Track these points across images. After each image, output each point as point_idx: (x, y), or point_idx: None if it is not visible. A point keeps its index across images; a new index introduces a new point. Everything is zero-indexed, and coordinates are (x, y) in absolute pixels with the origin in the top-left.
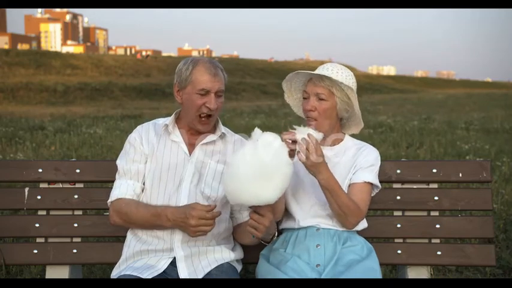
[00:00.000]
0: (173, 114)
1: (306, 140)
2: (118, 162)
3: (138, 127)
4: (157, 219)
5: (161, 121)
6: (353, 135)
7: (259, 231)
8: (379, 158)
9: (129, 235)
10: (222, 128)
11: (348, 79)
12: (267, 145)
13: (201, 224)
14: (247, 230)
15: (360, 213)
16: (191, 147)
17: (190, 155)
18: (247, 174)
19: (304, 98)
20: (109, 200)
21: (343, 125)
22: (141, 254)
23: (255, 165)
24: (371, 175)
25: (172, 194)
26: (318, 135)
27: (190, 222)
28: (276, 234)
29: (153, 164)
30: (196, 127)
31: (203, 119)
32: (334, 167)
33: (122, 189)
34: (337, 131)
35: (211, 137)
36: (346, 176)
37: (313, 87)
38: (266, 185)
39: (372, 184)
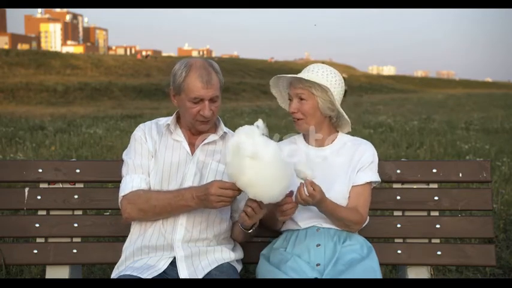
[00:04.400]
0: (174, 114)
1: (298, 195)
2: (126, 158)
3: (141, 125)
4: (181, 198)
5: (163, 121)
6: (351, 133)
7: (252, 221)
8: (376, 153)
9: (130, 235)
10: (223, 128)
11: (328, 78)
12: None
13: (221, 194)
14: (242, 217)
15: (362, 220)
16: (192, 146)
17: (192, 154)
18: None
19: (289, 100)
20: (122, 194)
21: (336, 125)
22: (141, 253)
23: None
24: (372, 173)
25: None
26: (316, 134)
27: (211, 191)
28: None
29: (156, 162)
30: (196, 128)
31: (199, 122)
32: (331, 166)
33: (135, 183)
34: (329, 130)
35: (212, 137)
36: (345, 172)
37: (294, 89)
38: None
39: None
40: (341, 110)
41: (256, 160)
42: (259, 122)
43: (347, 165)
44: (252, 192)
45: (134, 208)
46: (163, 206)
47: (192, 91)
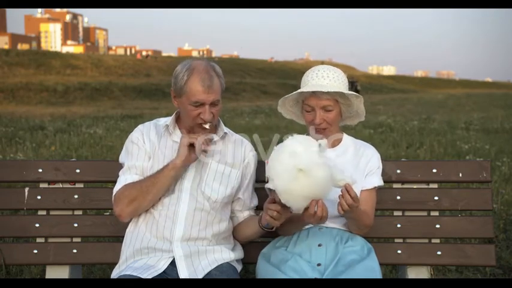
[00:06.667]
0: (173, 115)
1: (343, 202)
2: (122, 160)
3: (140, 126)
4: (163, 169)
5: (162, 121)
6: (351, 133)
7: (279, 222)
8: (380, 157)
9: (128, 234)
10: (224, 128)
11: (344, 83)
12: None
13: (190, 138)
14: (266, 219)
15: (372, 223)
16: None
17: None
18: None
19: (306, 111)
20: (113, 194)
21: (346, 118)
22: (141, 253)
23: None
24: (378, 178)
25: (173, 192)
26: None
27: (183, 141)
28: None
29: (155, 163)
30: (195, 132)
31: (199, 125)
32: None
33: (128, 182)
34: (336, 130)
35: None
36: (354, 175)
37: (318, 101)
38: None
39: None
40: (362, 107)
41: (304, 174)
42: (323, 142)
43: (353, 168)
44: (286, 199)
45: (123, 201)
46: (148, 187)
47: (193, 95)
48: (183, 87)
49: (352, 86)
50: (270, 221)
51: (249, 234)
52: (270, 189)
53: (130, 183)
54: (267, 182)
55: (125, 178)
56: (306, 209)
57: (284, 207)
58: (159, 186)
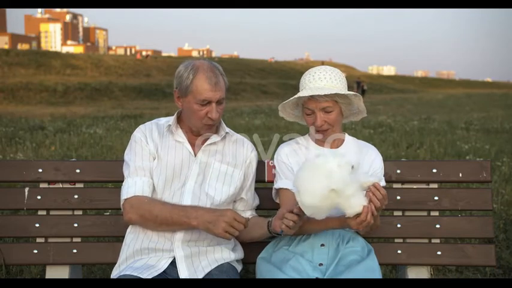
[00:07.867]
0: (175, 115)
1: (376, 200)
2: (128, 160)
3: (141, 126)
4: (185, 215)
5: (163, 121)
6: (350, 133)
7: (294, 231)
8: (381, 158)
9: (129, 234)
10: (225, 128)
11: (343, 82)
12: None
13: (233, 225)
14: (282, 228)
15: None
16: (193, 146)
17: (194, 155)
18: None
19: (307, 114)
20: (124, 197)
21: (347, 116)
22: (141, 253)
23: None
24: (382, 179)
25: (175, 192)
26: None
27: (225, 218)
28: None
29: (158, 163)
30: (200, 132)
31: (206, 125)
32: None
33: (138, 186)
34: (338, 130)
35: (214, 138)
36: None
37: (317, 103)
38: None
39: None
40: (362, 105)
41: (335, 193)
42: (356, 163)
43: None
44: (310, 213)
45: (136, 213)
46: (164, 218)
47: (201, 93)
48: (189, 86)
49: (359, 86)
50: (285, 230)
51: (256, 236)
52: (277, 189)
53: (148, 203)
54: (268, 181)
55: (133, 181)
56: (356, 215)
57: (300, 217)
58: (170, 228)
